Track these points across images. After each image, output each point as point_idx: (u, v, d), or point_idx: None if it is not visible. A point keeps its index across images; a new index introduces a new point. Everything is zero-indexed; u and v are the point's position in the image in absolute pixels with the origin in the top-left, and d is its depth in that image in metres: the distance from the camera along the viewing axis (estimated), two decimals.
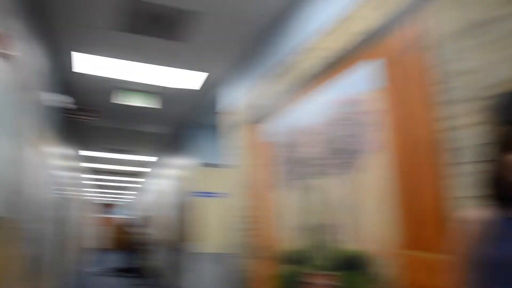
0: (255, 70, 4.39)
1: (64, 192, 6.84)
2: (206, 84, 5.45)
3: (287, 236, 3.50)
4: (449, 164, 1.84)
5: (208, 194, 7.05)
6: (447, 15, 1.90)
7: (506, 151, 1.21)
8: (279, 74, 3.74)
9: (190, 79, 5.28)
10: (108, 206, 28.25)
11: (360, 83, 2.57)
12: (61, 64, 4.92)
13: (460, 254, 1.35)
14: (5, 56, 2.71)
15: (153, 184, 13.56)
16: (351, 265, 2.59)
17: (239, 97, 4.80)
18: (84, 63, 4.85)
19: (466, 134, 1.76)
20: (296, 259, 3.32)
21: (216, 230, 6.88)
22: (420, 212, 2.02)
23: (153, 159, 11.89)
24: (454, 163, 1.81)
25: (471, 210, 1.35)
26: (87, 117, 6.39)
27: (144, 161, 12.29)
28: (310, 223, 3.12)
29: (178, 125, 7.72)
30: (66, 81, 5.44)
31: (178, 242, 7.95)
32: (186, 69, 5.00)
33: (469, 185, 1.75)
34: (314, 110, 3.13)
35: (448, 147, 1.85)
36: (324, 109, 2.99)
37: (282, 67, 3.70)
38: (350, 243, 2.61)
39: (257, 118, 4.24)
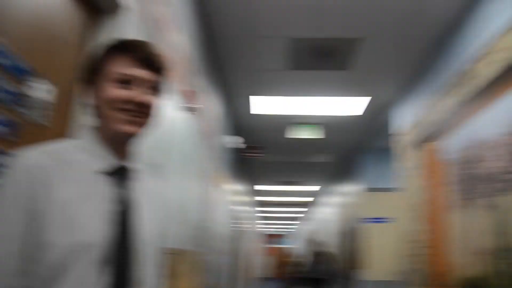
0: (425, 88, 4.27)
1: (238, 225, 7.47)
2: (370, 108, 5.50)
3: (466, 261, 3.27)
4: None
5: (376, 220, 6.95)
6: None
7: None
8: (452, 86, 3.58)
9: (353, 105, 5.41)
10: (274, 236, 29.45)
11: None
12: (240, 108, 5.60)
13: None
14: (192, 110, 3.23)
15: (318, 212, 13.78)
16: None
17: (409, 117, 4.72)
18: (260, 104, 5.44)
19: None
20: (475, 286, 3.07)
21: (386, 257, 6.69)
22: None
23: (317, 188, 12.14)
24: None
25: None
26: (256, 154, 7.03)
27: (309, 190, 12.62)
28: (495, 246, 2.89)
29: (342, 152, 7.85)
30: (245, 123, 6.14)
31: (347, 270, 7.91)
32: (348, 96, 5.15)
33: None
34: (497, 120, 2.93)
35: None
36: (508, 118, 2.80)
37: (455, 77, 3.54)
38: None
39: (430, 136, 4.11)
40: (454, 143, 3.59)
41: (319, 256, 7.59)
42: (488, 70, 3.00)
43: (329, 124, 6.17)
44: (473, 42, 3.23)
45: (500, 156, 2.89)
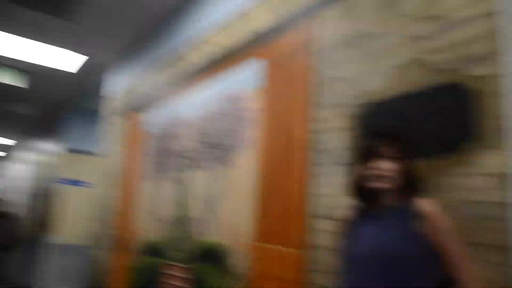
0: (141, 59, 4.33)
1: None
2: (85, 67, 5.24)
3: (150, 228, 3.57)
4: (315, 164, 2.05)
5: (73, 182, 6.72)
6: (331, 25, 2.08)
7: (362, 161, 1.41)
8: (166, 65, 3.76)
9: (67, 60, 5.03)
10: None
11: (243, 81, 2.72)
12: None
13: (339, 248, 1.53)
14: None
15: (11, 169, 12.35)
16: (208, 258, 2.76)
17: (122, 84, 4.70)
18: None
19: (334, 137, 1.97)
20: (155, 251, 3.41)
21: (79, 221, 6.57)
22: (282, 207, 2.22)
23: (12, 141, 10.85)
24: (321, 163, 2.02)
25: (345, 212, 1.54)
26: None
27: (2, 144, 11.15)
28: (174, 215, 3.25)
29: (47, 107, 7.20)
30: None
31: (36, 233, 7.41)
32: (64, 48, 4.74)
33: (332, 186, 1.98)
34: (195, 103, 3.24)
35: (317, 148, 2.05)
36: (204, 104, 3.12)
37: (169, 58, 3.72)
38: (210, 236, 2.78)
39: (137, 106, 4.22)
40: (156, 117, 3.81)
41: (1, 217, 6.80)
42: (196, 58, 3.30)
43: (36, 73, 5.56)
44: (192, 29, 3.49)
45: (189, 136, 3.24)
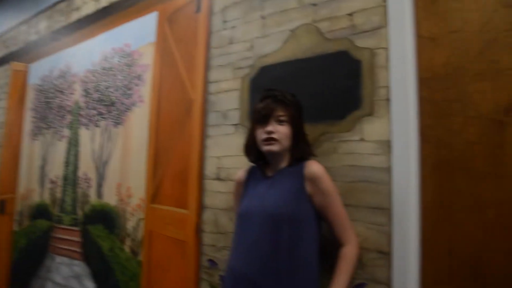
0: (30, 3, 3.83)
1: None
2: None
3: (37, 188, 3.32)
4: (210, 125, 2.03)
5: None
6: None
7: (256, 124, 1.46)
8: (56, 13, 3.39)
9: None
10: None
11: (138, 36, 2.55)
12: None
13: (234, 208, 1.58)
14: None
15: None
16: (99, 219, 2.65)
17: (3, 29, 4.15)
18: None
19: (228, 99, 1.96)
20: (42, 213, 3.19)
21: None
22: (177, 168, 2.18)
23: None
24: (215, 125, 2.01)
25: (240, 172, 1.57)
26: None
27: None
28: (63, 175, 3.04)
29: None
30: None
31: None
32: None
33: (226, 148, 1.98)
34: (86, 56, 2.99)
35: (212, 109, 2.02)
36: (96, 57, 2.89)
37: (61, 5, 3.35)
38: (101, 197, 2.66)
39: (20, 55, 3.77)
40: (43, 69, 3.45)
41: None
42: (89, 8, 3.00)
43: None
44: None
45: (78, 91, 3.00)
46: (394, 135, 1.41)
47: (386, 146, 1.43)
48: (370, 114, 1.48)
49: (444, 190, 1.35)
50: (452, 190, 1.33)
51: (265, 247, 1.32)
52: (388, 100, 1.44)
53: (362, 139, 1.49)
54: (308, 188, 1.36)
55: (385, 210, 1.41)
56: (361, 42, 1.53)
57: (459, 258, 1.30)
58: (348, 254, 1.35)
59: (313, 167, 1.38)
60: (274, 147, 1.40)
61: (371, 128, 1.47)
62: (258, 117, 1.44)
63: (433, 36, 1.42)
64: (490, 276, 1.24)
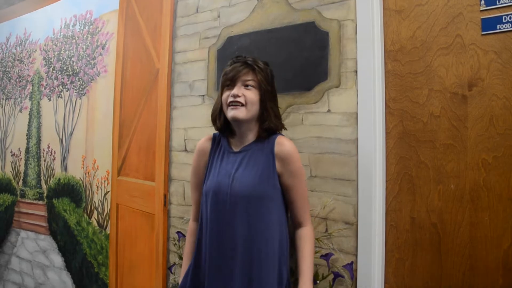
0: None
1: None
2: None
3: None
4: (175, 96, 1.99)
5: None
6: None
7: (223, 89, 1.37)
8: None
9: None
10: None
11: (98, 2, 2.45)
12: None
13: (192, 178, 1.49)
14: None
15: None
16: (64, 192, 2.60)
17: None
18: None
19: (194, 69, 1.92)
20: (5, 187, 3.10)
21: None
22: (144, 140, 2.14)
23: None
24: (181, 95, 1.97)
25: (203, 140, 1.47)
26: None
27: None
28: (24, 147, 2.95)
29: None
30: None
31: None
32: None
33: (192, 119, 1.95)
34: (45, 23, 2.86)
35: (178, 80, 1.97)
36: (55, 24, 2.76)
37: None
38: (66, 170, 2.60)
39: None
40: (0, 36, 3.28)
41: None
42: None
43: None
44: None
45: (37, 60, 2.87)
46: (360, 107, 1.42)
47: (353, 118, 1.44)
48: (337, 86, 1.48)
49: (408, 162, 1.38)
50: (415, 162, 1.36)
51: (236, 230, 1.29)
52: (355, 72, 1.44)
53: (329, 111, 1.49)
54: (278, 167, 1.32)
55: (352, 181, 1.43)
56: (329, 13, 1.51)
57: (421, 228, 1.35)
58: (309, 235, 1.34)
59: (285, 146, 1.33)
60: (240, 113, 1.31)
61: (338, 100, 1.47)
62: (225, 79, 1.36)
63: (400, 9, 1.42)
64: (449, 244, 1.29)
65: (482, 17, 1.27)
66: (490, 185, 1.23)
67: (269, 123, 1.35)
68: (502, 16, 1.24)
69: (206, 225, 1.37)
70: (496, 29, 1.24)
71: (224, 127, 1.42)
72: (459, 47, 1.30)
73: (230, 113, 1.32)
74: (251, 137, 1.38)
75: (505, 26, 1.23)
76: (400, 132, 1.39)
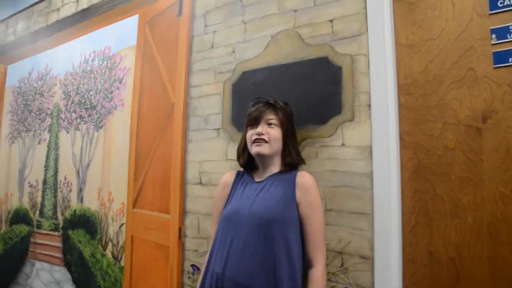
0: (6, 2, 3.73)
1: None
2: None
3: (16, 193, 3.25)
4: (190, 130, 2.01)
5: None
6: None
7: (247, 128, 1.47)
8: (35, 12, 3.32)
9: None
10: None
11: (119, 39, 2.53)
12: None
13: (214, 210, 1.55)
14: None
15: None
16: (80, 224, 2.61)
17: None
18: None
19: (209, 103, 1.95)
20: (22, 218, 3.13)
21: None
22: (160, 173, 2.16)
23: None
24: (197, 129, 1.99)
25: (227, 174, 1.55)
26: None
27: None
28: (41, 179, 2.99)
29: None
30: None
31: None
32: None
33: (208, 152, 1.97)
34: (67, 59, 2.94)
35: (194, 114, 2.01)
36: (74, 60, 2.85)
37: (41, 4, 3.28)
38: (82, 202, 2.62)
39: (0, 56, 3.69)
40: (22, 71, 3.38)
41: None
42: (71, 10, 2.96)
43: None
44: None
45: (58, 94, 2.95)
46: (374, 141, 1.43)
47: (367, 151, 1.44)
48: (351, 119, 1.49)
49: (423, 195, 1.37)
50: (431, 195, 1.35)
51: (255, 250, 1.29)
52: (368, 106, 1.46)
53: (343, 144, 1.50)
54: (298, 196, 1.36)
55: (367, 215, 1.42)
56: (342, 48, 1.54)
57: (438, 262, 1.32)
58: (320, 275, 1.32)
59: (307, 177, 1.38)
60: (264, 149, 1.40)
61: (352, 134, 1.48)
62: (249, 119, 1.46)
63: (411, 44, 1.44)
64: (468, 279, 1.26)
65: (493, 51, 1.28)
66: (509, 218, 1.21)
67: (291, 159, 1.43)
68: None
69: (218, 248, 1.39)
70: (509, 62, 1.25)
71: (248, 163, 1.52)
72: (471, 80, 1.31)
73: (255, 149, 1.42)
74: (273, 169, 1.45)
75: None
76: (415, 165, 1.39)
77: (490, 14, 1.30)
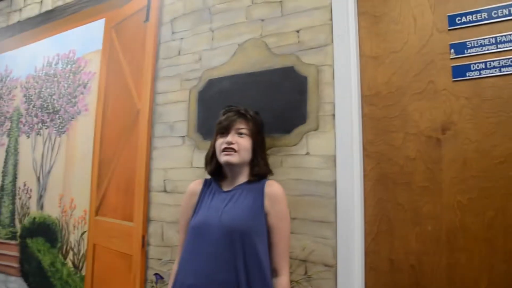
0: None
1: None
2: None
3: None
4: (155, 136, 1.99)
5: None
6: None
7: (217, 136, 1.45)
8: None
9: None
10: None
11: (84, 42, 2.47)
12: None
13: (181, 219, 1.52)
14: None
15: None
16: (39, 232, 2.53)
17: None
18: None
19: (175, 110, 1.93)
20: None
21: None
22: (123, 180, 2.12)
23: None
24: (161, 136, 1.97)
25: (194, 183, 1.52)
26: None
27: None
28: (0, 185, 2.88)
29: None
30: None
31: None
32: None
33: (173, 160, 1.96)
34: (27, 61, 2.86)
35: (159, 121, 1.98)
36: (37, 62, 2.77)
37: (1, 6, 3.21)
38: (42, 209, 2.54)
39: None
40: None
41: None
42: (33, 11, 2.88)
43: None
44: None
45: (22, 98, 2.86)
46: (338, 150, 1.45)
47: (331, 160, 1.46)
48: (316, 129, 1.51)
49: (385, 204, 1.40)
50: (393, 204, 1.38)
51: (227, 261, 1.28)
52: (333, 115, 1.48)
53: (307, 153, 1.52)
54: (266, 206, 1.34)
55: (331, 223, 1.44)
56: (307, 58, 1.56)
57: (399, 270, 1.35)
58: (286, 286, 1.31)
59: (275, 187, 1.38)
60: (233, 158, 1.39)
61: (317, 143, 1.50)
62: (219, 128, 1.45)
63: (375, 55, 1.48)
64: (427, 286, 1.29)
65: (452, 65, 1.33)
66: (466, 226, 1.25)
67: (259, 169, 1.43)
68: (470, 64, 1.30)
69: (188, 258, 1.36)
70: (466, 76, 1.30)
71: (215, 171, 1.49)
72: (432, 93, 1.35)
73: (224, 158, 1.40)
74: (241, 179, 1.44)
75: (474, 73, 1.29)
76: (378, 174, 1.42)
77: (449, 30, 1.35)
